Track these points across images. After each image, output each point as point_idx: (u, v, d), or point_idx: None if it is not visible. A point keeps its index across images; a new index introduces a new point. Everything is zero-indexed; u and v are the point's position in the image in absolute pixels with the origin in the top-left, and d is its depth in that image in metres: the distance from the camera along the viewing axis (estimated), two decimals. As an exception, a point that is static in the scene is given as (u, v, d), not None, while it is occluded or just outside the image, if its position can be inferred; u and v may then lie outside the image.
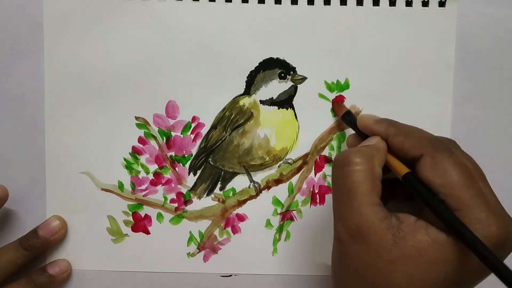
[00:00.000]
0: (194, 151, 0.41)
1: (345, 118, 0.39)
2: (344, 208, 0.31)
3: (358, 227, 0.30)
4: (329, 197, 0.41)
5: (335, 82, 0.40)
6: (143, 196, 0.41)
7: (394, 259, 0.29)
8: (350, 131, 0.40)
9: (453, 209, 0.29)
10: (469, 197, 0.29)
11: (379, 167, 0.32)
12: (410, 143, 0.32)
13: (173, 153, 0.41)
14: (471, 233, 0.28)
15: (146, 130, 0.40)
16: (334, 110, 0.40)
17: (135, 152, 0.40)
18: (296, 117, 0.40)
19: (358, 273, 0.30)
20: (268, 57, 0.40)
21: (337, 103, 0.40)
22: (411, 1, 0.39)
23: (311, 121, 0.40)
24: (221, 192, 0.41)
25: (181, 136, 0.40)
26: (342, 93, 0.40)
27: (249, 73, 0.40)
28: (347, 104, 0.40)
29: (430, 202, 0.30)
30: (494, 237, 0.28)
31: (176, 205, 0.41)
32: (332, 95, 0.40)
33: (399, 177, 0.32)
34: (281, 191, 0.41)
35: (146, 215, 0.41)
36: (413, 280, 0.29)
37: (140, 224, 0.41)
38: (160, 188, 0.41)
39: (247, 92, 0.40)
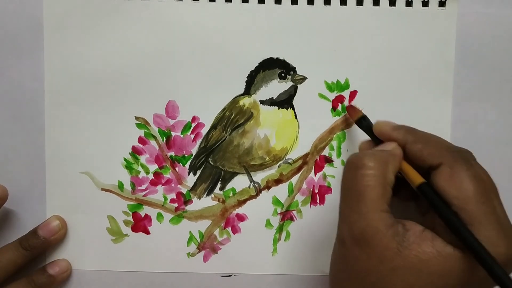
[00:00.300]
0: (194, 151, 0.41)
1: (361, 123, 0.38)
2: (351, 211, 0.30)
3: (363, 232, 0.29)
4: (329, 197, 0.41)
5: (335, 82, 0.40)
6: (143, 196, 0.41)
7: (396, 268, 0.29)
8: (350, 131, 0.40)
9: (465, 223, 0.29)
10: (483, 213, 0.29)
11: (392, 174, 0.31)
12: (429, 151, 0.32)
13: (173, 153, 0.41)
14: (484, 249, 0.27)
15: (146, 130, 0.40)
16: (348, 114, 0.40)
17: (135, 152, 0.40)
18: (296, 117, 0.40)
19: (358, 278, 0.30)
20: (268, 57, 0.40)
21: (352, 107, 0.39)
22: (411, 1, 0.39)
23: (311, 121, 0.40)
24: (221, 192, 0.41)
25: (181, 136, 0.40)
26: (342, 93, 0.40)
27: (249, 73, 0.40)
28: (346, 103, 0.40)
29: (444, 214, 0.29)
30: (501, 256, 0.28)
31: (176, 205, 0.41)
32: (332, 95, 0.40)
33: (413, 186, 0.32)
34: (281, 191, 0.41)
35: (146, 215, 0.41)
36: None
37: (140, 224, 0.41)
38: (160, 188, 0.41)
39: (247, 92, 0.40)
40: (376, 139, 0.36)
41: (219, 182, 0.41)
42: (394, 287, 0.29)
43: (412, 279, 0.28)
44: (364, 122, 0.38)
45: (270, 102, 0.40)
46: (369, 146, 0.36)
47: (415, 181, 0.31)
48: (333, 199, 0.41)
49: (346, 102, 0.40)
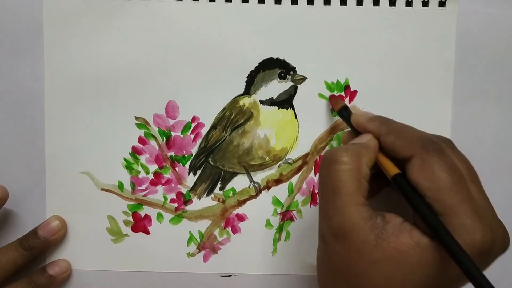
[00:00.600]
0: (194, 151, 0.41)
1: (342, 113, 0.38)
2: (328, 206, 0.31)
3: (341, 227, 0.30)
4: (329, 197, 0.41)
5: (335, 82, 0.40)
6: (143, 196, 0.41)
7: (376, 260, 0.29)
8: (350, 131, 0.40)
9: (438, 213, 0.29)
10: (456, 202, 0.29)
11: (366, 167, 0.31)
12: (401, 143, 0.31)
13: (173, 153, 0.41)
14: (453, 240, 0.27)
15: (146, 130, 0.40)
16: (331, 104, 0.40)
17: (135, 152, 0.40)
18: (296, 117, 0.40)
19: (340, 272, 0.30)
20: (268, 57, 0.40)
21: (334, 97, 0.40)
22: (411, 1, 0.39)
23: (311, 121, 0.40)
24: (221, 192, 0.41)
25: (181, 136, 0.40)
26: (342, 93, 0.40)
27: (249, 73, 0.40)
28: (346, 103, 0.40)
29: (416, 206, 0.29)
30: (478, 244, 0.28)
31: (176, 205, 0.41)
32: (332, 95, 0.40)
33: (389, 178, 0.32)
34: (281, 191, 0.41)
35: (146, 215, 0.41)
36: (394, 282, 0.29)
37: (140, 224, 0.41)
38: (160, 188, 0.41)
39: (247, 92, 0.40)
40: (356, 130, 0.36)
41: (219, 182, 0.41)
42: (374, 279, 0.29)
43: (392, 271, 0.28)
44: (344, 113, 0.38)
45: (270, 102, 0.40)
46: (349, 137, 0.36)
47: (390, 172, 0.31)
48: (333, 199, 0.41)
49: (346, 102, 0.40)
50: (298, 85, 0.40)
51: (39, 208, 0.40)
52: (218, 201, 0.41)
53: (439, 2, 0.39)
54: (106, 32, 0.39)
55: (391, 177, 0.31)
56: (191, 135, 0.40)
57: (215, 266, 0.41)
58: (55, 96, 0.40)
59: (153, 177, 0.41)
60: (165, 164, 0.41)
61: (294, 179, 0.41)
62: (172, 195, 0.41)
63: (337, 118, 0.40)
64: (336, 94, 0.40)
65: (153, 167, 0.41)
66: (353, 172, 0.30)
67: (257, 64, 0.40)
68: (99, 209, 0.41)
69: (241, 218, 0.41)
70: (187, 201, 0.41)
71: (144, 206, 0.41)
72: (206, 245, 0.41)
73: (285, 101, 0.40)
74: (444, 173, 0.29)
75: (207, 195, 0.41)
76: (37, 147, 0.40)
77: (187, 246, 0.41)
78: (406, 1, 0.39)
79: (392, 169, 0.31)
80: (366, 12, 0.39)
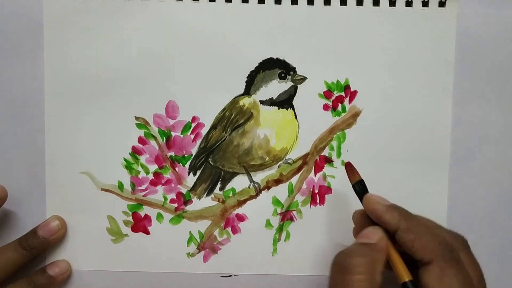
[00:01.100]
0: (194, 151, 0.41)
1: (356, 187, 0.36)
2: None
3: None
4: (329, 198, 0.41)
5: (335, 82, 0.40)
6: (143, 196, 0.41)
7: None
8: (350, 131, 0.40)
9: None
10: None
11: (380, 275, 0.30)
12: (422, 246, 0.31)
13: (173, 153, 0.41)
14: None
15: (146, 130, 0.40)
16: (347, 174, 0.37)
17: (135, 152, 0.40)
18: (296, 117, 0.40)
19: None
20: (268, 57, 0.40)
21: (351, 166, 0.36)
22: (411, 1, 0.39)
23: (311, 121, 0.40)
24: (221, 192, 0.41)
25: (181, 136, 0.40)
26: (342, 93, 0.40)
27: (249, 73, 0.40)
28: (347, 104, 0.40)
29: None
30: None
31: (176, 205, 0.41)
32: (332, 95, 0.40)
33: (398, 281, 0.31)
34: (281, 191, 0.41)
35: (146, 215, 0.41)
36: None
37: (140, 224, 0.41)
38: (160, 188, 0.41)
39: (247, 92, 0.40)
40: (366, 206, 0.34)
41: (219, 182, 0.41)
42: None
43: None
44: (359, 188, 0.35)
45: (270, 102, 0.40)
46: (362, 218, 0.35)
47: (401, 277, 0.31)
48: (333, 199, 0.41)
49: (346, 102, 0.40)
50: (298, 85, 0.40)
51: (39, 208, 0.40)
52: (218, 201, 0.41)
53: (439, 2, 0.39)
54: (106, 32, 0.39)
55: (401, 283, 0.31)
56: (191, 135, 0.40)
57: (215, 266, 0.41)
58: (55, 96, 0.40)
59: (153, 177, 0.41)
60: (165, 164, 0.41)
61: (294, 179, 0.41)
62: (172, 195, 0.41)
63: (337, 118, 0.40)
64: (337, 94, 0.40)
65: (153, 167, 0.41)
66: (367, 284, 0.29)
67: (257, 64, 0.40)
68: (99, 209, 0.40)
69: (241, 218, 0.41)
70: (187, 201, 0.41)
71: (144, 206, 0.41)
72: (206, 245, 0.41)
73: (285, 101, 0.40)
74: (461, 287, 0.29)
75: (207, 195, 0.41)
76: (37, 147, 0.40)
77: (187, 246, 0.41)
78: (406, 1, 0.39)
79: (403, 275, 0.31)
80: (366, 12, 0.39)
